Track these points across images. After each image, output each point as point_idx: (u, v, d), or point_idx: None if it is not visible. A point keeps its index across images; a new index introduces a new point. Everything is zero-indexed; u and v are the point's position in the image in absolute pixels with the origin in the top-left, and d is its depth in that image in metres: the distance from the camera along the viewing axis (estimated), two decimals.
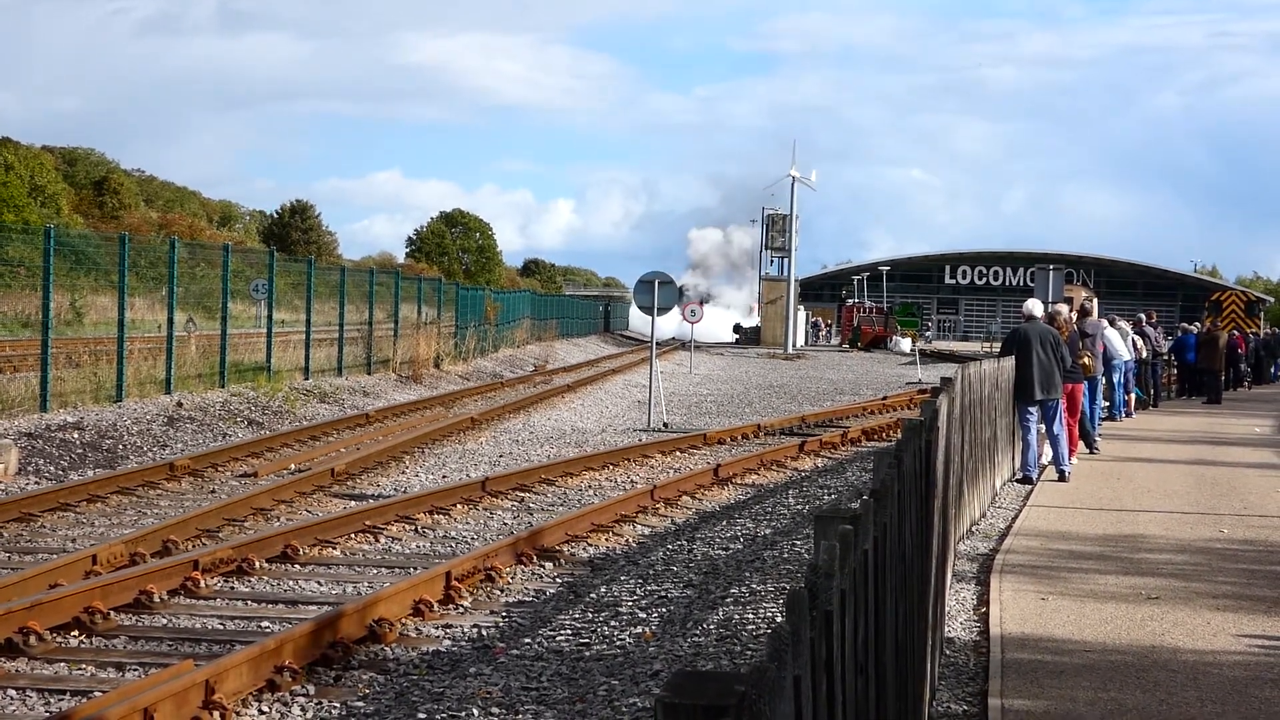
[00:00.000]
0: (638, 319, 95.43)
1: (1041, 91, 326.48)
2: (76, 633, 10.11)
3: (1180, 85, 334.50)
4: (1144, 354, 33.99)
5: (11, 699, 8.60)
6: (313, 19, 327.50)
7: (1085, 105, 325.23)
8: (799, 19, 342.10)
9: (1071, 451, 20.14)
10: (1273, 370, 55.55)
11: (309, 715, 8.44)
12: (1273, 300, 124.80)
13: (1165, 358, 39.45)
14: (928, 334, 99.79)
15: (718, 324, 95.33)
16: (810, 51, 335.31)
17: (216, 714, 8.11)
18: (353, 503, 16.26)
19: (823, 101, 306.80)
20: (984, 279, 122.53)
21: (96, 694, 8.46)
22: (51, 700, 8.57)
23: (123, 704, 7.56)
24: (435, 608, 11.02)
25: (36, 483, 17.13)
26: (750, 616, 11.01)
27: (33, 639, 9.62)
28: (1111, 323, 29.42)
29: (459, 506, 16.12)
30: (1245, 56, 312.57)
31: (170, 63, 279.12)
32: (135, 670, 9.19)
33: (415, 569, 12.54)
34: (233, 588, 11.82)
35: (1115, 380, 29.34)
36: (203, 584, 11.58)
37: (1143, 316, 36.71)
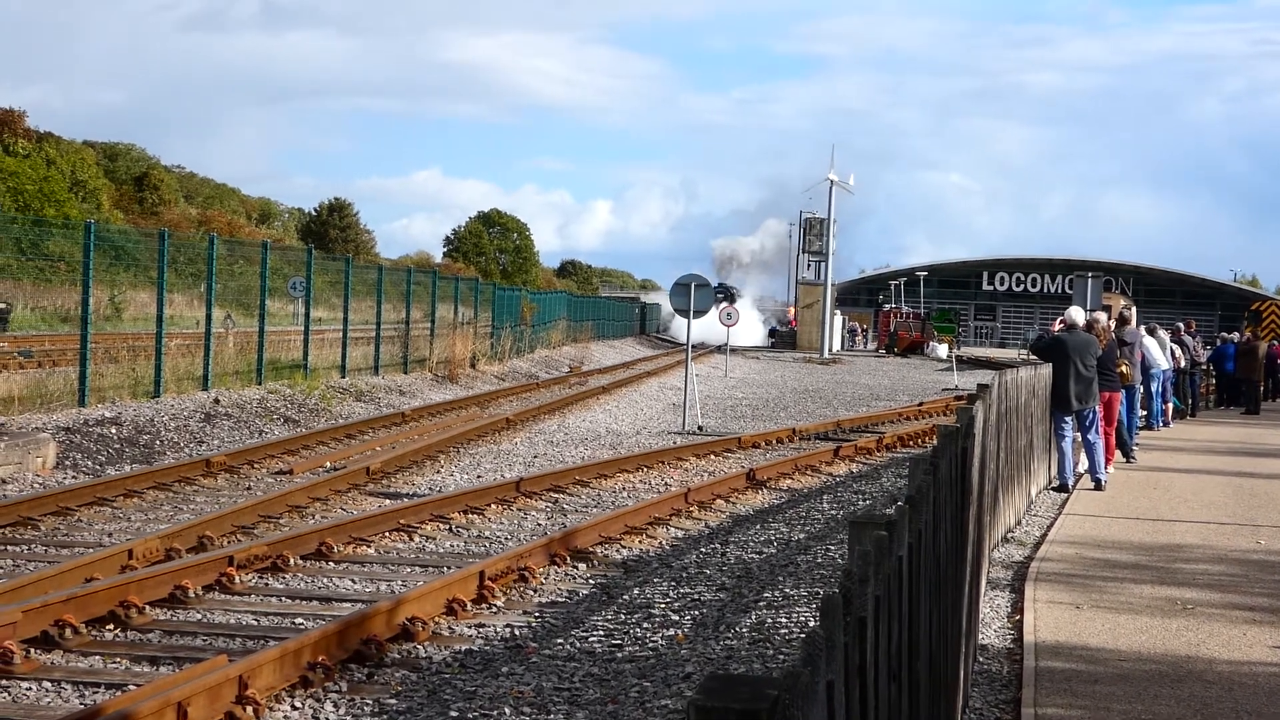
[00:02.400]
0: (673, 321, 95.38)
1: (1082, 97, 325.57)
2: (111, 627, 10.16)
3: (1222, 93, 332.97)
4: (1182, 363, 33.82)
5: (47, 691, 8.65)
6: (355, 16, 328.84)
7: (1126, 111, 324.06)
8: (839, 21, 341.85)
9: (1108, 460, 20.06)
10: None
11: (341, 712, 8.46)
12: None
13: (1204, 367, 39.25)
14: (962, 338, 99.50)
15: (753, 328, 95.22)
16: (850, 54, 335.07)
17: (249, 710, 8.13)
18: (387, 501, 16.30)
19: (862, 105, 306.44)
20: (1022, 286, 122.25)
21: (130, 688, 8.49)
22: (86, 693, 8.62)
23: (156, 698, 7.59)
24: (468, 607, 11.03)
25: (74, 477, 17.23)
26: (783, 620, 11.00)
27: (68, 632, 9.68)
28: (1150, 331, 29.30)
29: (493, 506, 16.13)
30: None
31: (213, 59, 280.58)
32: (169, 665, 9.23)
33: (449, 568, 12.56)
34: (267, 584, 11.85)
35: (1153, 389, 29.21)
36: (237, 580, 11.63)
37: (1181, 325, 36.55)
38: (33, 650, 9.35)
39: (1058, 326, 19.86)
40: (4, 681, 8.75)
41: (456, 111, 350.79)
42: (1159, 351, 29.30)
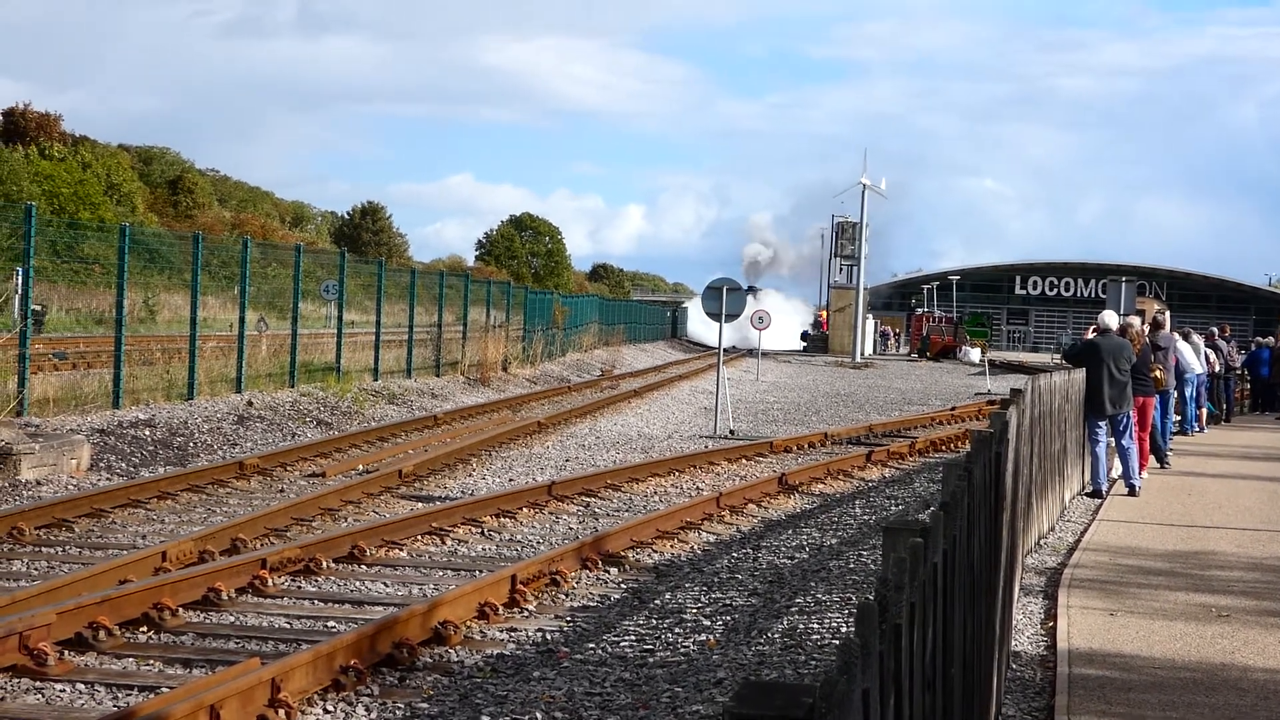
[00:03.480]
0: (699, 325, 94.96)
1: (1117, 101, 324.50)
2: (145, 629, 10.19)
3: (1260, 96, 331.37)
4: (1217, 368, 33.68)
5: (80, 693, 8.68)
6: (390, 21, 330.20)
7: (1162, 115, 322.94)
8: (874, 26, 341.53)
9: (1142, 466, 19.97)
10: None
11: (373, 715, 8.46)
12: None
13: (1238, 372, 39.07)
14: (995, 342, 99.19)
15: (784, 332, 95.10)
16: (884, 59, 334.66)
17: (282, 712, 8.14)
18: (420, 504, 16.33)
19: (896, 109, 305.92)
20: (1055, 290, 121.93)
21: (163, 690, 8.52)
22: (119, 695, 8.64)
23: (189, 700, 7.61)
24: (500, 611, 11.03)
25: (108, 479, 17.31)
26: (815, 626, 10.98)
27: (102, 634, 9.71)
28: (1184, 336, 29.16)
29: (525, 510, 16.15)
30: None
31: (249, 64, 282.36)
32: (202, 667, 9.25)
33: (481, 572, 12.57)
34: (300, 587, 11.88)
35: (1187, 394, 29.09)
36: (270, 583, 11.65)
37: (1215, 330, 36.37)
38: (66, 652, 9.38)
39: (1091, 333, 19.78)
40: (38, 683, 8.79)
41: (490, 117, 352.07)
42: (1193, 356, 29.18)
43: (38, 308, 28.77)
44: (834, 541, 15.17)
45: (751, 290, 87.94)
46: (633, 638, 10.61)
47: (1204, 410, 31.54)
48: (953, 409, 36.44)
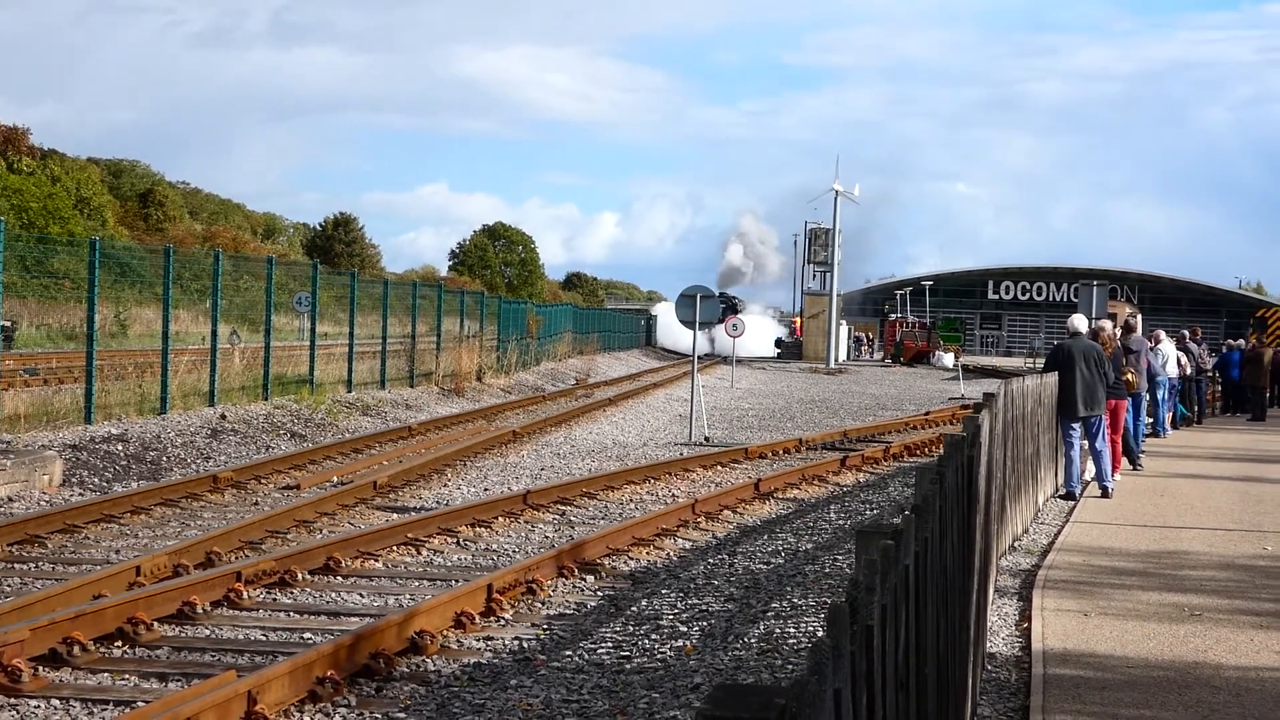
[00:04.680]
0: (671, 333, 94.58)
1: (1090, 105, 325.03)
2: (120, 643, 10.17)
3: (1230, 100, 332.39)
4: (1188, 370, 33.85)
5: (55, 709, 8.66)
6: (364, 32, 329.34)
7: (1134, 119, 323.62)
8: (849, 32, 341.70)
9: (1115, 468, 20.06)
10: None
11: None
12: None
13: (1209, 374, 39.25)
14: (968, 347, 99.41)
15: (759, 338, 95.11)
16: (860, 65, 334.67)
17: None
18: (395, 515, 16.32)
19: (871, 116, 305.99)
20: (1027, 294, 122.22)
21: (140, 704, 8.50)
22: (95, 710, 8.63)
23: (166, 714, 7.61)
24: (477, 620, 11.04)
25: (81, 494, 17.25)
26: (791, 630, 11.01)
27: (76, 649, 9.68)
28: (1156, 339, 29.30)
29: (501, 519, 16.15)
30: None
31: (222, 76, 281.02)
32: (178, 681, 9.24)
33: (457, 581, 12.57)
34: (275, 599, 11.87)
35: (1159, 397, 29.22)
36: (245, 595, 11.64)
37: (1186, 333, 36.57)
38: (41, 668, 9.36)
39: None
40: (12, 700, 8.77)
41: (466, 127, 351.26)
42: (1165, 359, 29.33)
43: (7, 324, 28.70)
44: (809, 546, 15.20)
45: (731, 303, 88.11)
46: (610, 645, 10.63)
47: (1174, 413, 31.72)
48: (927, 414, 36.54)
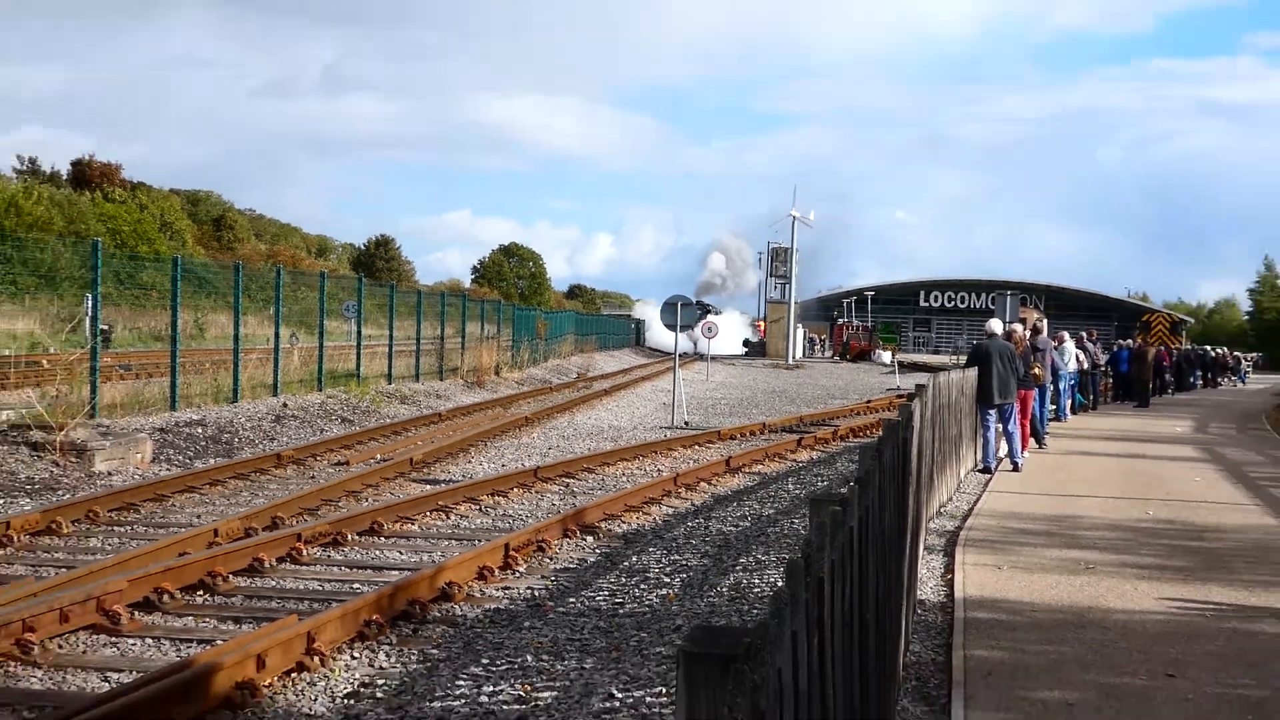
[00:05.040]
0: (657, 335, 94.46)
1: (1008, 145, 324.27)
2: (201, 592, 10.21)
3: (1120, 142, 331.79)
4: (1085, 365, 33.92)
5: (149, 646, 8.69)
6: (398, 84, 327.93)
7: (1043, 157, 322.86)
8: (807, 83, 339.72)
9: (1024, 446, 20.13)
10: (1191, 380, 55.39)
11: (392, 661, 8.50)
12: (1192, 321, 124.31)
13: (1103, 369, 39.33)
14: (903, 346, 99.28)
15: (729, 339, 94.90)
16: (814, 111, 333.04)
17: (316, 659, 8.17)
18: (428, 486, 16.34)
19: (824, 153, 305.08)
20: (952, 302, 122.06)
21: (218, 642, 8.53)
22: (181, 648, 8.66)
23: (239, 651, 7.64)
24: (496, 573, 11.07)
25: (168, 469, 17.25)
26: (756, 581, 11.05)
27: (166, 597, 9.73)
28: (1059, 340, 29.37)
29: (515, 490, 16.17)
30: (1173, 119, 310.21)
31: (281, 120, 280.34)
32: (250, 623, 9.27)
33: (479, 541, 12.60)
34: (329, 556, 11.89)
35: (1061, 387, 29.30)
36: (304, 553, 11.67)
37: (1084, 334, 36.61)
38: (136, 613, 9.40)
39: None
40: (114, 639, 8.80)
41: (484, 163, 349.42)
42: (1066, 356, 29.39)
43: (105, 327, 28.62)
44: (771, 512, 15.23)
45: (706, 308, 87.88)
46: (606, 593, 10.66)
47: (1073, 401, 31.77)
48: (868, 402, 36.54)
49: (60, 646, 8.59)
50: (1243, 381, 68.27)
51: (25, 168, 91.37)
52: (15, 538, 11.97)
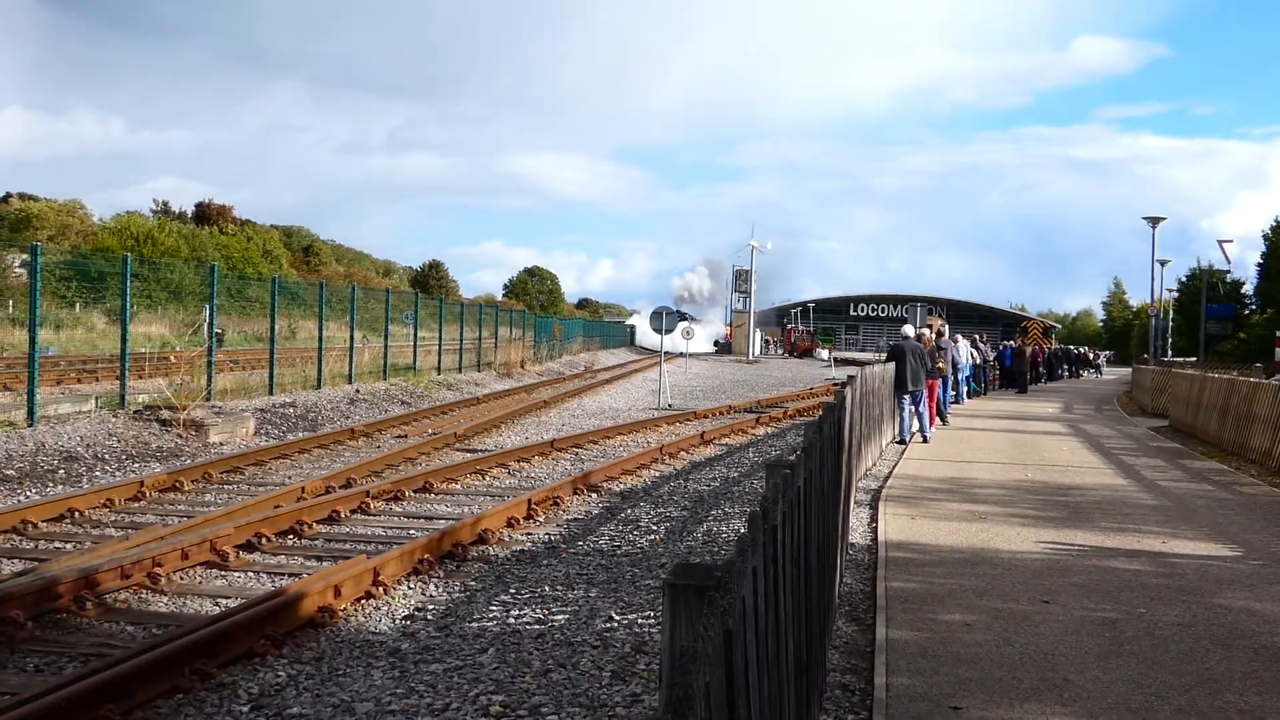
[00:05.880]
0: (646, 337, 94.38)
1: (913, 192, 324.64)
2: (291, 537, 10.14)
3: (1001, 189, 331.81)
4: (978, 360, 33.94)
5: (250, 578, 8.64)
6: (448, 144, 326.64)
7: (942, 201, 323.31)
8: (759, 144, 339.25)
9: (931, 423, 20.11)
10: (1060, 372, 55.49)
11: (440, 590, 8.45)
12: (1060, 326, 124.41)
13: (991, 364, 39.39)
14: (837, 346, 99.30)
15: (702, 341, 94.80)
16: (766, 165, 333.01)
17: (381, 589, 8.13)
18: (468, 454, 16.27)
19: (774, 197, 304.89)
20: (875, 312, 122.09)
21: (305, 575, 8.49)
22: (275, 579, 8.61)
23: (321, 582, 7.59)
24: (521, 522, 11.03)
25: (266, 441, 17.18)
26: (724, 529, 11.02)
27: (264, 540, 9.67)
28: (957, 341, 29.37)
29: (536, 458, 16.11)
30: (1042, 172, 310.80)
31: (356, 172, 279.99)
32: (329, 561, 9.21)
33: (508, 497, 12.55)
34: (391, 509, 11.83)
35: (959, 378, 29.31)
36: (372, 506, 11.61)
37: (977, 336, 36.65)
38: (240, 552, 9.34)
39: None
40: (222, 572, 8.75)
41: (512, 204, 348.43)
42: (964, 353, 29.39)
43: (219, 331, 28.55)
44: (735, 475, 15.20)
45: (684, 316, 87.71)
46: (607, 538, 10.62)
47: (967, 389, 31.79)
48: (811, 389, 36.51)
49: (182, 578, 8.53)
50: (1099, 373, 68.41)
51: (159, 208, 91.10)
52: (147, 494, 11.90)
